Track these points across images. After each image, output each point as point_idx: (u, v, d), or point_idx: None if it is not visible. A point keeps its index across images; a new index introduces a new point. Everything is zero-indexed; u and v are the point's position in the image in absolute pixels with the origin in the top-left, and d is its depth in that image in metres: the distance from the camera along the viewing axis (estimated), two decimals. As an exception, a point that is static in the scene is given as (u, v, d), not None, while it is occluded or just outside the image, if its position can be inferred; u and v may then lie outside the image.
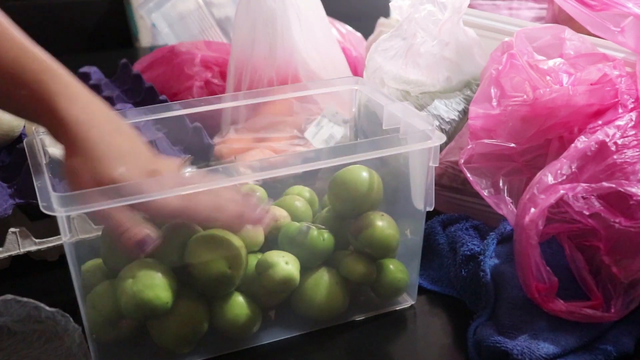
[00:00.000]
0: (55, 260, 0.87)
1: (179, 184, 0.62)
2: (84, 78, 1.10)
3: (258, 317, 0.72)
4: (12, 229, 0.83)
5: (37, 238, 0.84)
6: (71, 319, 0.70)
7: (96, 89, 1.06)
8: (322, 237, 0.73)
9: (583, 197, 0.69)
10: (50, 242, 0.85)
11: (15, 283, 0.84)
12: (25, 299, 0.71)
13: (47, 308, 0.71)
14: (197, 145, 0.92)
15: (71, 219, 0.63)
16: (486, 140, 0.79)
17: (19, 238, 0.83)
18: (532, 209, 0.68)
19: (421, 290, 0.80)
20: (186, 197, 0.62)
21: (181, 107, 0.82)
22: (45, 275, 0.86)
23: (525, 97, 0.78)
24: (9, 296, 0.71)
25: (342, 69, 1.08)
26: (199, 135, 0.92)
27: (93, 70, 1.12)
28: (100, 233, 0.72)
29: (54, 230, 0.63)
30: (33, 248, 0.84)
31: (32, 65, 0.63)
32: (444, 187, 0.91)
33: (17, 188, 0.84)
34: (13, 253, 0.84)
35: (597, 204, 0.68)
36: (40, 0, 1.66)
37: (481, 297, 0.74)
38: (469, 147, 0.79)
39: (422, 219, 0.76)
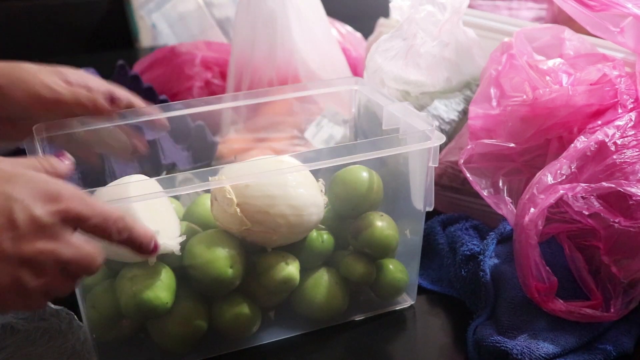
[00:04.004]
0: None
1: None
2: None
3: (258, 317, 0.72)
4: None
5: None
6: (75, 317, 0.70)
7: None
8: (321, 238, 0.73)
9: (582, 197, 0.69)
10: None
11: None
12: None
13: (52, 306, 0.71)
14: (201, 144, 0.92)
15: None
16: (486, 140, 0.79)
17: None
18: (532, 209, 0.68)
19: (421, 290, 0.80)
20: None
21: (182, 107, 0.82)
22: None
23: (524, 97, 0.78)
24: None
25: (342, 69, 1.08)
26: (202, 133, 0.92)
27: (90, 72, 1.12)
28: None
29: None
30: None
31: None
32: (443, 187, 0.91)
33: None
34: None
35: (596, 203, 0.69)
36: (40, 0, 1.66)
37: (481, 297, 0.74)
38: (468, 147, 0.79)
39: (422, 219, 0.76)
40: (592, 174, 0.70)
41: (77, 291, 0.67)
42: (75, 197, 0.52)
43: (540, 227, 0.68)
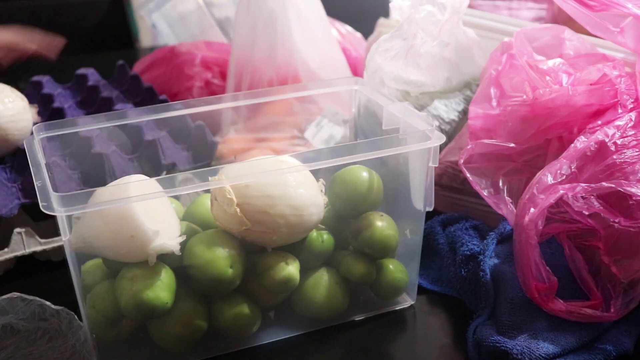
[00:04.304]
0: (59, 261, 0.87)
1: None
2: (82, 80, 1.10)
3: (258, 317, 0.72)
4: (17, 229, 0.83)
5: (41, 238, 0.84)
6: (76, 317, 0.70)
7: (94, 90, 1.06)
8: (321, 238, 0.73)
9: (582, 197, 0.69)
10: (55, 242, 0.85)
11: (19, 284, 0.84)
12: (30, 297, 0.71)
13: (52, 306, 0.71)
14: (201, 144, 0.92)
15: (72, 219, 0.64)
16: (486, 140, 0.79)
17: (24, 238, 0.84)
18: (532, 209, 0.68)
19: (421, 290, 0.81)
20: None
21: (182, 107, 0.82)
22: (49, 275, 0.86)
23: (524, 97, 0.78)
24: (15, 294, 0.71)
25: (342, 69, 1.08)
26: (202, 133, 0.92)
27: (90, 72, 1.12)
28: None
29: (59, 231, 0.64)
30: (38, 248, 0.85)
31: None
32: (443, 187, 0.91)
33: (22, 188, 0.84)
34: (19, 253, 0.84)
35: (596, 203, 0.69)
36: (40, 1, 1.67)
37: (481, 296, 0.74)
38: (468, 147, 0.79)
39: (422, 219, 0.76)
40: (592, 174, 0.70)
41: (77, 291, 0.67)
42: None
43: (540, 227, 0.68)
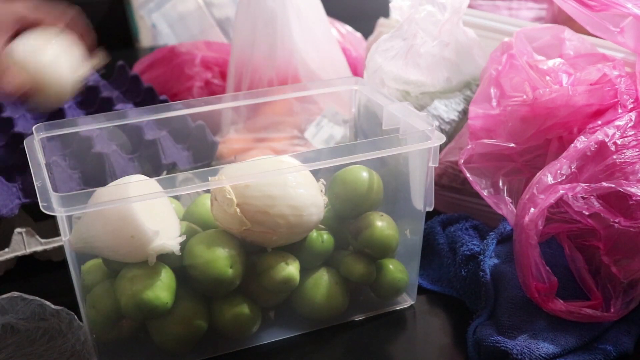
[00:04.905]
0: (60, 261, 0.87)
1: None
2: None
3: (258, 317, 0.72)
4: (18, 229, 0.83)
5: (42, 238, 0.84)
6: (76, 317, 0.70)
7: (94, 90, 1.06)
8: (321, 238, 0.73)
9: (582, 197, 0.69)
10: (56, 242, 0.85)
11: (20, 284, 0.84)
12: (30, 297, 0.72)
13: (52, 306, 0.72)
14: (201, 143, 0.92)
15: (72, 219, 0.64)
16: (486, 141, 0.79)
17: (25, 238, 0.84)
18: (532, 209, 0.68)
19: (421, 290, 0.81)
20: None
21: (182, 107, 0.82)
22: (50, 275, 0.86)
23: (524, 97, 0.78)
24: (15, 293, 0.71)
25: (342, 69, 1.08)
26: (202, 133, 0.92)
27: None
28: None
29: (59, 231, 0.64)
30: (39, 248, 0.85)
31: None
32: (443, 187, 0.91)
33: (23, 188, 0.84)
34: (19, 253, 0.84)
35: (596, 204, 0.69)
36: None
37: (481, 296, 0.74)
38: (468, 147, 0.79)
39: (422, 219, 0.76)
40: (592, 174, 0.70)
41: (77, 291, 0.67)
42: None
43: (540, 227, 0.68)
